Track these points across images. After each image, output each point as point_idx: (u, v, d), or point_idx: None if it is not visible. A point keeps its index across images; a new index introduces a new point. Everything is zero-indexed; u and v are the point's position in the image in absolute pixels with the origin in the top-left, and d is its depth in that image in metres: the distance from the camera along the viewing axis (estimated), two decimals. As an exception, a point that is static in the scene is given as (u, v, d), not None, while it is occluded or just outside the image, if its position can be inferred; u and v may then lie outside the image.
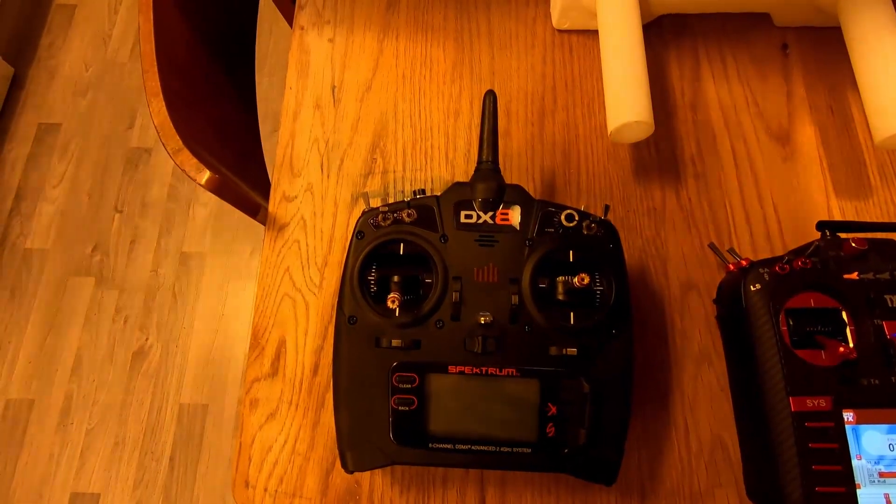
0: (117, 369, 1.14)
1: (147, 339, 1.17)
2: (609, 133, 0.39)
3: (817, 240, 0.35)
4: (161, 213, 1.29)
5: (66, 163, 1.34)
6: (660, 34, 0.48)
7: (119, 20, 1.50)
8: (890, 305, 0.32)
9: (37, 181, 1.32)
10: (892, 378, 0.31)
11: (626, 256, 0.41)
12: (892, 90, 0.38)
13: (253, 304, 0.40)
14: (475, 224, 0.34)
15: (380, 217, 0.34)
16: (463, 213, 0.34)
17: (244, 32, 0.64)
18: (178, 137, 0.37)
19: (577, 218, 0.33)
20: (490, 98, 0.36)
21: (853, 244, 0.33)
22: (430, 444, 0.31)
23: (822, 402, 0.31)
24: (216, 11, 0.57)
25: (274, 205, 0.43)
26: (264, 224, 0.44)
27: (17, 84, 1.42)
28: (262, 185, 0.53)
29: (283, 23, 0.75)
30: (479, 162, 0.36)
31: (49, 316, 1.20)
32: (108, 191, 1.31)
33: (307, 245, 0.42)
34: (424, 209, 0.34)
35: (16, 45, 1.44)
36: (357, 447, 0.32)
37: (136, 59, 1.45)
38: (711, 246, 0.40)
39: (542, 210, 0.34)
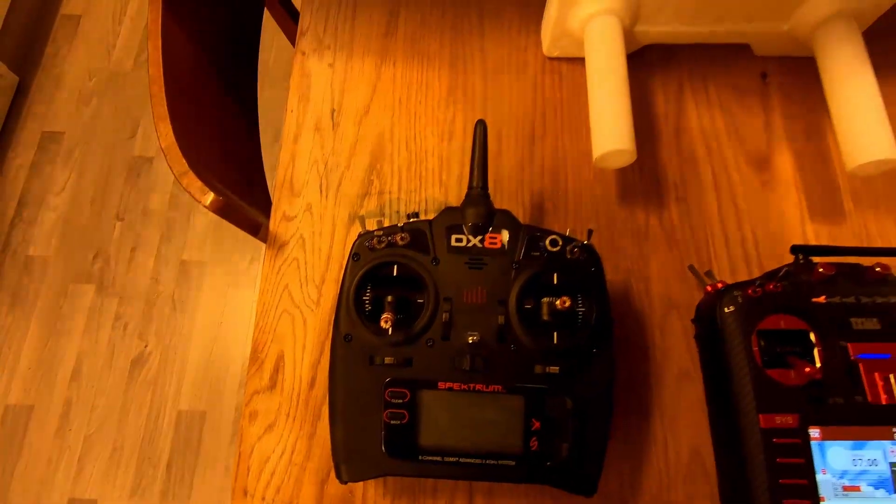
0: (116, 376, 1.16)
1: (146, 347, 1.19)
2: (594, 160, 0.41)
3: (788, 264, 0.37)
4: (162, 222, 1.31)
5: (68, 171, 1.36)
6: (646, 62, 0.50)
7: (123, 30, 1.53)
8: (855, 328, 0.34)
9: (39, 189, 1.34)
10: (856, 397, 0.33)
11: (610, 276, 0.43)
12: (863, 121, 0.40)
13: (252, 314, 0.42)
14: (465, 247, 0.35)
15: (375, 240, 0.35)
16: (454, 237, 0.36)
17: (248, 51, 0.66)
18: (184, 161, 0.39)
19: (560, 243, 0.35)
20: (480, 127, 0.38)
21: (821, 269, 0.35)
22: (421, 457, 0.33)
23: (789, 420, 0.33)
24: (221, 31, 0.60)
25: (274, 224, 0.45)
26: (265, 242, 0.45)
27: (21, 92, 1.44)
28: (263, 201, 0.55)
29: (284, 36, 0.77)
30: (470, 188, 0.38)
31: (49, 322, 1.22)
32: (109, 199, 1.33)
33: (306, 263, 0.44)
34: (417, 233, 0.36)
35: (21, 54, 1.47)
36: (351, 459, 0.34)
37: (140, 69, 1.47)
38: (691, 268, 0.42)
39: (528, 234, 0.36)
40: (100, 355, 1.18)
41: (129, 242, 1.29)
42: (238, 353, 1.18)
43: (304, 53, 0.51)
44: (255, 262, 1.26)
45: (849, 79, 0.42)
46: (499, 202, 0.46)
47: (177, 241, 1.29)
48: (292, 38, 0.77)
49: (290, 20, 0.75)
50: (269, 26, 0.76)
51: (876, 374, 0.33)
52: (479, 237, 0.36)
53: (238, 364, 1.17)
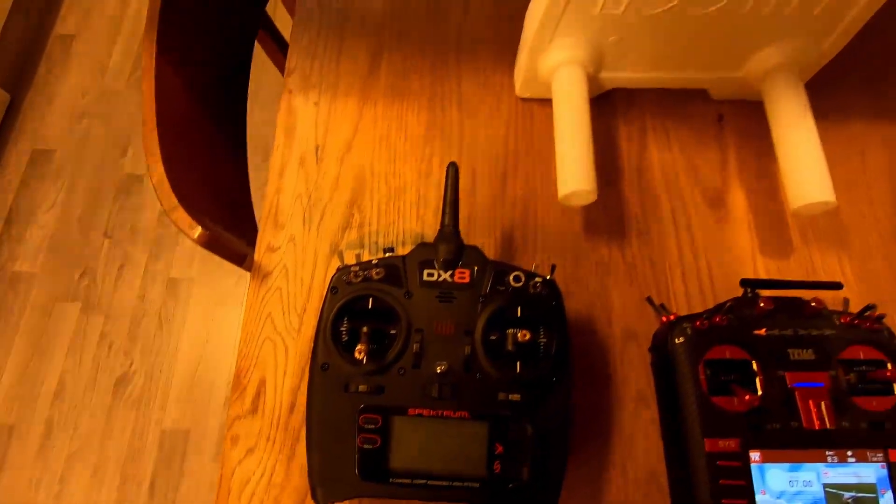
0: (100, 394, 1.16)
1: (131, 365, 1.19)
2: (559, 198, 0.44)
3: (733, 298, 0.40)
4: (150, 240, 1.32)
5: (58, 188, 1.37)
6: (611, 105, 0.54)
7: (116, 50, 1.56)
8: (792, 358, 0.37)
9: (28, 206, 1.35)
10: (792, 423, 0.36)
11: (575, 306, 0.46)
12: (804, 166, 0.44)
13: (238, 332, 0.44)
14: (436, 282, 0.38)
15: (352, 274, 0.38)
16: (426, 272, 0.38)
17: (238, 86, 0.69)
18: (174, 197, 0.42)
19: (523, 278, 0.38)
20: (452, 169, 0.41)
21: (762, 304, 0.39)
22: (392, 479, 0.35)
23: (732, 444, 0.36)
24: (213, 68, 0.62)
25: (259, 254, 0.48)
26: (249, 271, 0.48)
27: (13, 110, 1.46)
28: (250, 231, 0.57)
29: (277, 57, 0.81)
30: (442, 225, 0.40)
31: (33, 340, 1.22)
32: (98, 216, 1.34)
33: (288, 292, 0.46)
34: (392, 268, 0.38)
35: (14, 73, 1.49)
36: (326, 482, 0.36)
37: (132, 88, 1.50)
38: (648, 299, 0.45)
39: (494, 270, 0.38)
40: (84, 374, 1.19)
41: (116, 260, 1.30)
42: (224, 371, 1.19)
43: (290, 92, 0.54)
44: (242, 280, 1.28)
45: (792, 126, 0.46)
46: (472, 235, 0.49)
47: (165, 259, 1.30)
48: (281, 67, 0.80)
49: (279, 53, 0.79)
50: (261, 50, 0.80)
51: (810, 402, 0.36)
52: (450, 272, 0.38)
53: (223, 382, 1.17)
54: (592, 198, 0.44)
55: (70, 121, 1.45)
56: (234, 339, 1.21)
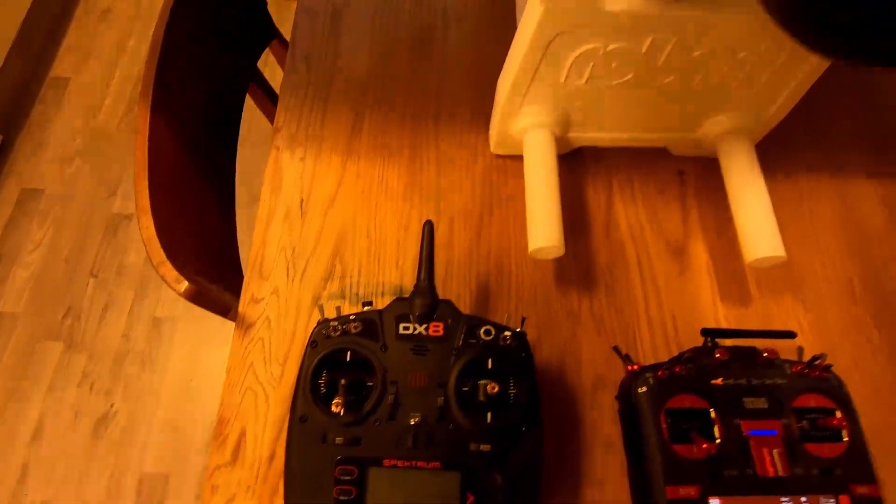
0: (79, 437, 1.14)
1: (112, 406, 1.18)
2: (529, 252, 0.47)
3: (692, 349, 0.42)
4: (136, 279, 1.33)
5: (45, 228, 1.38)
6: (580, 162, 0.58)
7: (111, 93, 1.59)
8: (747, 407, 0.40)
9: (14, 246, 1.35)
10: (748, 470, 0.38)
11: (546, 354, 0.49)
12: (755, 222, 0.48)
13: (222, 371, 0.46)
14: (411, 335, 0.40)
15: (331, 328, 0.40)
16: (401, 325, 0.41)
17: (228, 136, 0.72)
18: (162, 252, 0.44)
19: (493, 332, 0.40)
20: (428, 227, 0.44)
21: (718, 354, 0.41)
22: (366, 530, 0.36)
23: (691, 491, 0.37)
24: (205, 124, 0.66)
25: (243, 305, 0.50)
26: (234, 321, 0.50)
27: (4, 151, 1.48)
28: (236, 282, 0.59)
29: (265, 103, 0.84)
30: (418, 280, 0.43)
31: (13, 380, 1.20)
32: (85, 256, 1.35)
33: (271, 343, 0.48)
34: (369, 322, 0.40)
35: (8, 114, 1.51)
36: (302, 533, 0.37)
37: (124, 131, 1.53)
38: (615, 349, 0.47)
39: (467, 323, 0.41)
40: (64, 415, 1.17)
41: (101, 299, 1.30)
42: (206, 412, 1.18)
43: (278, 148, 0.57)
44: (227, 320, 1.28)
45: (743, 186, 0.49)
46: (449, 284, 0.52)
47: (150, 298, 1.30)
48: (269, 114, 0.84)
49: (268, 101, 0.82)
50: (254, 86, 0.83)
51: (764, 449, 0.38)
52: (424, 325, 0.41)
53: (206, 423, 1.16)
54: (560, 252, 0.47)
55: (61, 162, 1.47)
56: (217, 380, 1.20)
